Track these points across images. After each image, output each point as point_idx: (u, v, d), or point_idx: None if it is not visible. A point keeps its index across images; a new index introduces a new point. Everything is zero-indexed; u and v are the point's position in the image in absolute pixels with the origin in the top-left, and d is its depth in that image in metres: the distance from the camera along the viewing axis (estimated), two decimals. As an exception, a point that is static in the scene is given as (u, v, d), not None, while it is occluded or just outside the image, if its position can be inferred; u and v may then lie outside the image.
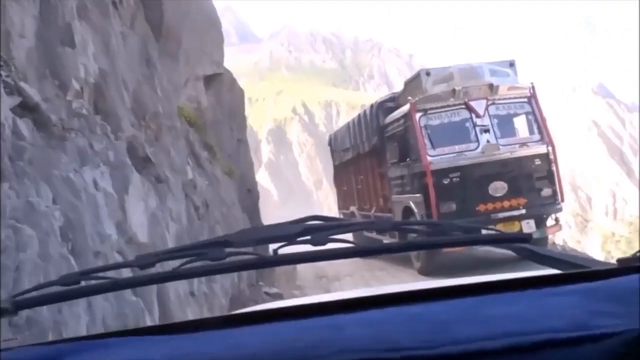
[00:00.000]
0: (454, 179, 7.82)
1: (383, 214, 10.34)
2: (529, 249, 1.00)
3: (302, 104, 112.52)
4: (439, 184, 7.77)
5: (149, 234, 3.92)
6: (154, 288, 3.91)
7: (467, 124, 8.12)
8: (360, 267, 10.76)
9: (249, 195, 14.18)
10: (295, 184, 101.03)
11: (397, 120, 8.87)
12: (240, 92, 15.28)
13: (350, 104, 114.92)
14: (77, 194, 3.11)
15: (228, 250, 0.91)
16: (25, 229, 2.55)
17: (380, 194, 10.33)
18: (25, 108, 3.51)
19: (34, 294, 0.92)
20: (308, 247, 0.94)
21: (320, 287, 9.76)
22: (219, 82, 12.24)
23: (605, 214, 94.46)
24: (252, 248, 0.95)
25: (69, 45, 4.07)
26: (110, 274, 0.96)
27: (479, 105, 8.14)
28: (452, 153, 8.02)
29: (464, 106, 8.13)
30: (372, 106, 10.33)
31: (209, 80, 10.04)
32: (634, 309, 0.62)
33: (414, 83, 8.98)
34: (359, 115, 11.20)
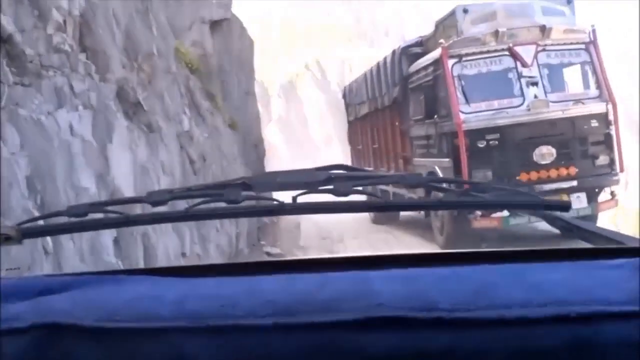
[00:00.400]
0: (492, 141, 6.54)
1: None
2: (566, 220, 0.96)
3: (315, 59, 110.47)
4: (473, 146, 6.50)
5: (135, 188, 3.55)
6: (140, 245, 3.58)
7: (511, 75, 6.75)
8: (368, 230, 10.50)
9: (255, 150, 13.82)
10: (305, 140, 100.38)
11: (425, 68, 7.52)
12: (250, 42, 14.66)
13: (367, 62, 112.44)
14: (49, 140, 2.72)
15: (245, 193, 0.87)
16: (-22, 178, 2.19)
17: (400, 155, 9.01)
18: (-3, 40, 3.09)
19: (39, 222, 0.92)
20: (330, 197, 0.88)
21: (324, 248, 9.49)
22: (228, 29, 11.64)
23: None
24: (270, 193, 0.91)
25: (51, -29, 3.59)
26: (118, 209, 0.91)
27: (526, 52, 6.75)
28: (490, 110, 6.69)
29: (507, 52, 6.76)
30: (394, 52, 8.82)
31: (216, 25, 9.46)
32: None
33: (447, 22, 7.46)
34: (378, 63, 9.68)
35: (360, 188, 0.89)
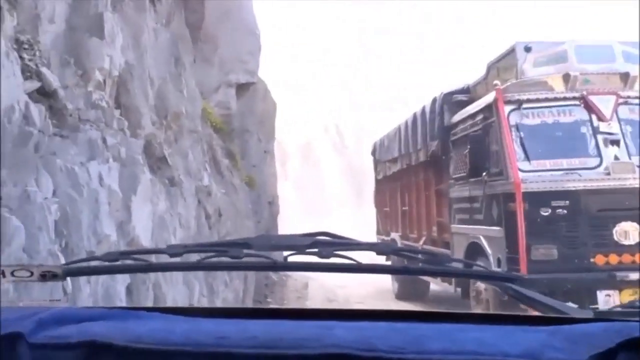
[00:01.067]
0: (559, 209, 5.16)
1: (437, 249, 7.50)
2: (515, 289, 1.08)
3: (334, 123, 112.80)
4: (534, 214, 5.16)
5: (153, 238, 3.73)
6: (150, 294, 3.71)
7: (584, 129, 5.47)
8: (373, 296, 10.41)
9: (269, 208, 14.02)
10: (319, 202, 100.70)
11: (473, 116, 6.25)
12: (273, 104, 15.25)
13: (381, 126, 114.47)
14: (78, 189, 2.93)
15: (246, 251, 1.02)
16: (13, 220, 2.37)
17: (435, 220, 7.70)
18: (43, 94, 3.39)
19: (81, 264, 1.10)
20: (315, 259, 1.03)
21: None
22: (253, 90, 12.19)
23: None
24: (268, 253, 1.04)
25: (98, 36, 3.95)
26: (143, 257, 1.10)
27: (604, 103, 5.50)
28: (557, 169, 5.35)
29: (580, 102, 5.51)
30: (434, 100, 7.49)
31: (242, 88, 9.95)
32: (582, 349, 0.69)
33: (503, 63, 6.22)
34: (415, 113, 8.33)
35: (341, 253, 1.02)
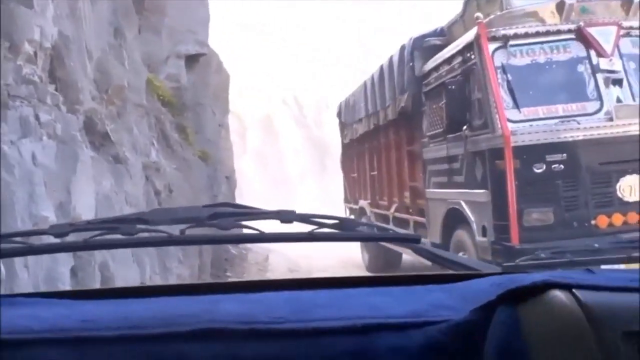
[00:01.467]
0: (555, 164, 4.39)
1: (410, 217, 6.77)
2: (426, 249, 1.09)
3: (292, 96, 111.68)
4: (526, 172, 4.36)
5: (98, 218, 3.58)
6: (97, 275, 3.59)
7: (582, 67, 4.63)
8: (338, 266, 10.49)
9: (227, 183, 13.84)
10: (279, 174, 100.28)
11: (449, 60, 5.31)
12: (226, 76, 14.88)
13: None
14: (9, 169, 2.76)
15: (140, 226, 0.96)
16: None
17: (407, 184, 6.77)
18: (-34, 68, 3.16)
19: None
20: (215, 231, 1.01)
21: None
22: (205, 62, 11.82)
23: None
24: (166, 227, 0.99)
25: (26, 5, 3.69)
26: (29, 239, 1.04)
27: (604, 36, 4.63)
28: (551, 117, 4.54)
29: (576, 35, 4.64)
30: (403, 47, 6.44)
31: (192, 59, 9.63)
32: (469, 305, 0.69)
33: None
34: (382, 66, 7.31)
35: (243, 223, 0.99)
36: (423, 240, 1.32)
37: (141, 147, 4.78)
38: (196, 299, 0.79)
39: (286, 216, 1.04)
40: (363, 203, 9.28)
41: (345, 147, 10.60)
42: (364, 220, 8.82)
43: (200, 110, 10.32)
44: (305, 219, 1.05)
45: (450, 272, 1.02)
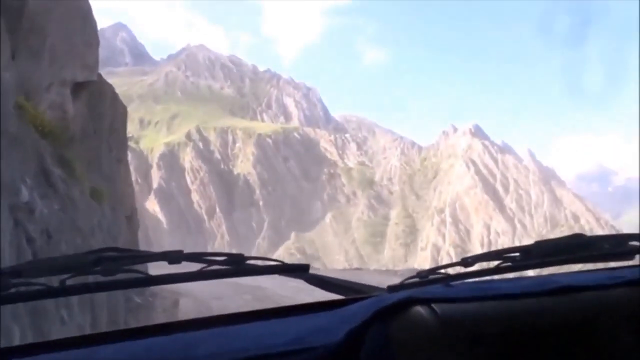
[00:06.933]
0: None
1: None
2: (316, 277, 1.17)
3: (197, 129, 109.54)
4: None
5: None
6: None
7: None
8: (251, 305, 9.90)
9: (127, 223, 12.66)
10: (187, 211, 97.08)
11: None
12: (123, 108, 13.87)
13: (247, 132, 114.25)
14: None
15: (15, 280, 0.90)
16: None
17: None
18: None
19: None
20: (100, 278, 0.97)
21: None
22: (97, 92, 10.80)
23: (480, 245, 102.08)
24: (46, 279, 0.93)
25: None
26: None
27: None
28: None
29: None
30: None
31: (81, 88, 8.62)
32: (347, 327, 0.74)
33: None
34: None
35: (129, 267, 0.95)
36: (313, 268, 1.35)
37: (8, 185, 3.86)
38: (78, 352, 0.79)
39: (173, 257, 1.02)
40: None
41: None
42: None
43: (92, 144, 9.27)
44: (192, 257, 1.04)
45: (341, 297, 1.06)
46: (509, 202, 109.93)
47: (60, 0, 7.52)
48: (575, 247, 1.07)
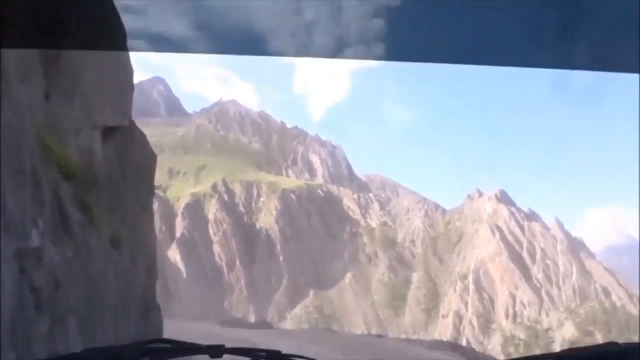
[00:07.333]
0: None
1: None
2: None
3: (223, 181, 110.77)
4: None
5: None
6: None
7: None
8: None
9: (146, 273, 12.27)
10: (208, 262, 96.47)
11: None
12: (152, 156, 13.82)
13: (272, 187, 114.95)
14: None
15: None
16: None
17: None
18: None
19: None
20: None
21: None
22: (129, 140, 10.74)
23: (505, 316, 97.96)
24: None
25: None
26: None
27: None
28: None
29: None
30: None
31: (112, 133, 8.55)
32: None
33: None
34: None
35: None
36: None
37: (18, 227, 3.54)
38: None
39: (216, 352, 1.07)
40: None
41: None
42: None
43: (118, 189, 9.08)
44: (234, 351, 1.08)
45: None
46: (536, 271, 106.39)
47: (99, 51, 7.53)
48: (610, 356, 1.02)
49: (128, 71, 8.93)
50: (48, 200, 4.38)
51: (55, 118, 6.74)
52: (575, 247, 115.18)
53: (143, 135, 12.62)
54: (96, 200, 6.43)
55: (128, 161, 10.81)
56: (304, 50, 2.73)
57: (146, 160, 12.95)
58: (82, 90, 7.18)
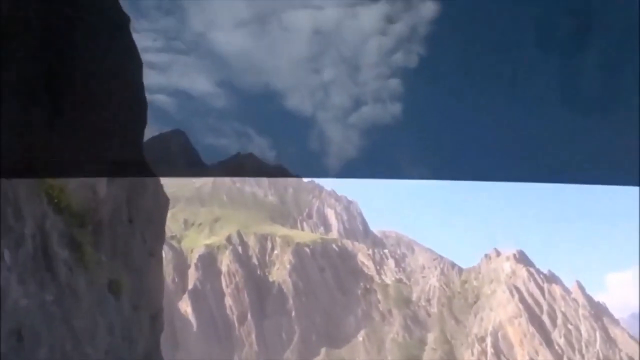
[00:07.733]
0: None
1: None
2: None
3: (237, 233, 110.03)
4: None
5: None
6: None
7: None
8: None
9: (151, 324, 11.37)
10: (219, 315, 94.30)
11: None
12: (165, 201, 13.25)
13: (286, 240, 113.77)
14: None
15: None
16: None
17: None
18: None
19: None
20: None
21: None
22: (141, 181, 10.20)
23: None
24: None
25: None
26: None
27: None
28: None
29: None
30: None
31: (121, 168, 7.97)
32: None
33: None
34: None
35: None
36: None
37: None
38: None
39: None
40: None
41: None
42: None
43: (123, 231, 8.42)
44: None
45: None
46: (557, 336, 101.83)
47: (112, 79, 7.09)
48: None
49: (142, 104, 8.46)
50: (29, 232, 3.70)
51: (59, 149, 6.20)
52: (598, 312, 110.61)
53: (157, 178, 12.09)
54: (93, 240, 5.74)
55: (137, 202, 10.22)
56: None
57: (158, 204, 12.36)
58: (89, 121, 6.67)
